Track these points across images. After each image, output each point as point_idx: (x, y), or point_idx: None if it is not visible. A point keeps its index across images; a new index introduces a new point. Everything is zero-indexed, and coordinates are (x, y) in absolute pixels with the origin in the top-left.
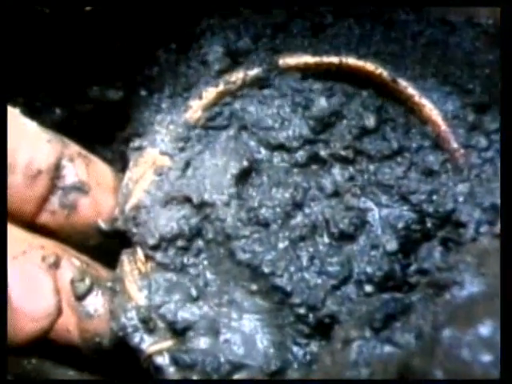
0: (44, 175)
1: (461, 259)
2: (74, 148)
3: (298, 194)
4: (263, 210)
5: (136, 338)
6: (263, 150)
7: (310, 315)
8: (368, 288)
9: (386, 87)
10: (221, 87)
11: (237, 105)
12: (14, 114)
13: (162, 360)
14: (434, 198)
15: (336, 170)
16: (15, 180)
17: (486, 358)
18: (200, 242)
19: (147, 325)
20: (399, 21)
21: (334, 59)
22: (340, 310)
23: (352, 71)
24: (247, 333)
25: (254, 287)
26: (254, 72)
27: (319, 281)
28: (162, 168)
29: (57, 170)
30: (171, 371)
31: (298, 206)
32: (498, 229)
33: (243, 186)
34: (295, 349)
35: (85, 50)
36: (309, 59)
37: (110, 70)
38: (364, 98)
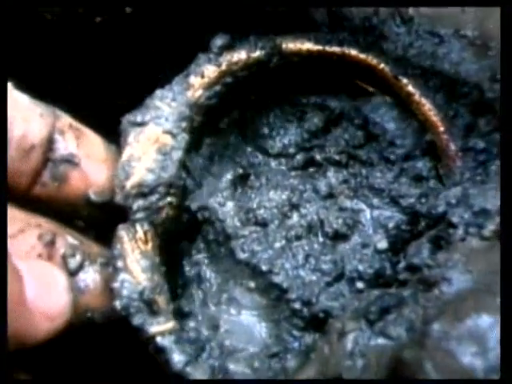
0: (37, 149)
1: (449, 257)
2: (65, 120)
3: (295, 196)
4: (261, 211)
5: (139, 319)
6: (261, 156)
7: (305, 310)
8: (359, 285)
9: (386, 82)
10: (223, 67)
11: (235, 114)
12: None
13: (165, 341)
14: (424, 200)
15: (330, 174)
16: (9, 154)
17: (473, 350)
18: (201, 242)
19: (151, 307)
20: (391, 33)
21: (337, 49)
22: (333, 305)
23: (354, 63)
24: (246, 326)
25: (253, 284)
26: (257, 55)
27: (314, 278)
28: (166, 147)
29: (49, 143)
30: (174, 352)
31: (295, 207)
32: (487, 231)
33: (242, 188)
34: (290, 340)
35: (92, 60)
36: (311, 47)
37: (117, 80)
38: (353, 115)
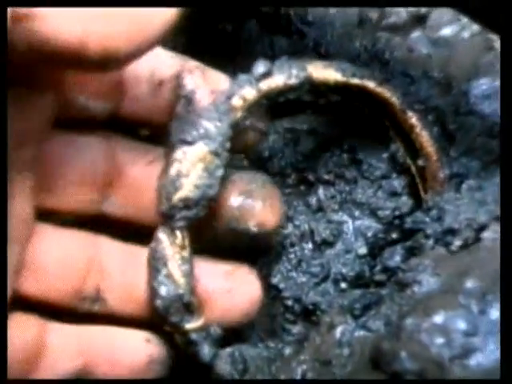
0: (166, 84)
1: (420, 263)
2: (192, 63)
3: (290, 210)
4: None
5: (176, 317)
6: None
7: (296, 306)
8: (343, 285)
9: (394, 114)
10: (262, 92)
11: None
12: None
13: (196, 336)
14: (397, 213)
15: (320, 191)
16: (141, 91)
17: (440, 340)
18: None
19: (188, 308)
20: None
21: (358, 81)
22: (321, 300)
23: (370, 95)
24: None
25: None
26: (292, 82)
27: (304, 279)
28: (211, 165)
29: (178, 79)
30: (203, 346)
31: (289, 219)
32: (454, 247)
33: None
34: (283, 333)
35: None
36: (339, 78)
37: None
38: (340, 141)
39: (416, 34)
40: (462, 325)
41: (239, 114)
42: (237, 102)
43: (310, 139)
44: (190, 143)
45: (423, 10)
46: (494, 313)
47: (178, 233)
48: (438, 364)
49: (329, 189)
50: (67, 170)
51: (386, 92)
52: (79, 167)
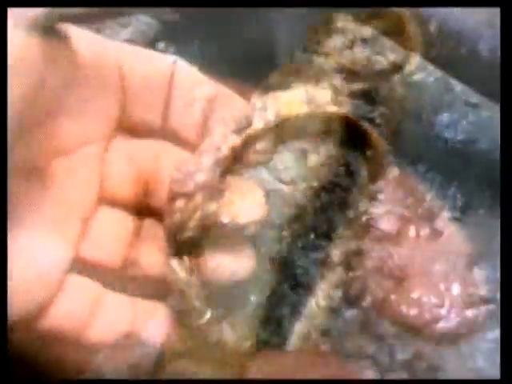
0: (198, 102)
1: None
2: (226, 90)
3: (298, 209)
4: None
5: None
6: (277, 183)
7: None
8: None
9: (352, 126)
10: (245, 138)
11: None
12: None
13: (207, 326)
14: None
15: (322, 195)
16: (176, 108)
17: (414, 311)
18: None
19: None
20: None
21: (322, 110)
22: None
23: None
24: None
25: None
26: (270, 125)
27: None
28: (210, 206)
29: (209, 102)
30: (213, 330)
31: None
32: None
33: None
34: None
35: None
36: (305, 109)
37: None
38: (338, 157)
39: (395, 78)
40: (433, 299)
41: (229, 162)
42: (226, 152)
43: (315, 156)
44: (188, 196)
45: (400, 60)
46: (455, 289)
47: (186, 258)
48: (413, 329)
49: (328, 194)
50: (120, 167)
51: (342, 111)
52: (129, 166)
